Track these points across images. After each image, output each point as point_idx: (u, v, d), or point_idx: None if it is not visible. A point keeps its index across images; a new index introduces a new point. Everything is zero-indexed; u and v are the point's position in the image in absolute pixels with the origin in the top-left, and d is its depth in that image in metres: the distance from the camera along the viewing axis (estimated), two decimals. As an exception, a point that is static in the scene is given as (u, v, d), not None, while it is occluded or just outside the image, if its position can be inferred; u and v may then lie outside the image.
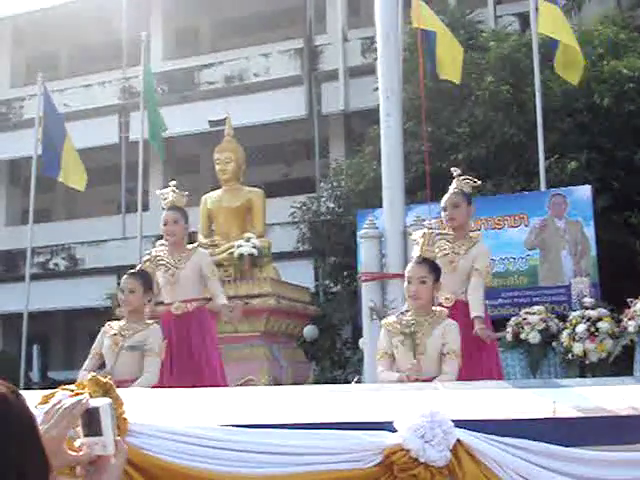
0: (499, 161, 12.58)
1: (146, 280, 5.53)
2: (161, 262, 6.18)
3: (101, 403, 1.92)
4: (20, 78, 22.76)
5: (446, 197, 5.88)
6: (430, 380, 4.47)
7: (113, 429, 1.90)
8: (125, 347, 5.29)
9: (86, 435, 1.88)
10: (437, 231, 5.20)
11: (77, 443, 1.91)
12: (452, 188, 5.96)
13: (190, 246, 6.44)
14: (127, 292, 5.42)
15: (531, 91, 11.31)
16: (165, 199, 6.48)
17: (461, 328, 4.75)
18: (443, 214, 5.85)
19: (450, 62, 10.69)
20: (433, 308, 4.68)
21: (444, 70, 10.74)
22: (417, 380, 4.36)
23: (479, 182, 6.13)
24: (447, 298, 5.56)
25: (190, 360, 6.06)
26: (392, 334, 4.62)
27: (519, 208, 10.52)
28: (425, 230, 4.86)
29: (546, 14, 10.12)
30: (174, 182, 6.75)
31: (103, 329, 5.50)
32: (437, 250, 5.59)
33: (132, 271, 5.62)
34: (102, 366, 5.48)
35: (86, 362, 5.50)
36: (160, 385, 5.61)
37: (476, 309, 5.48)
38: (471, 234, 5.92)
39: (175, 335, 6.05)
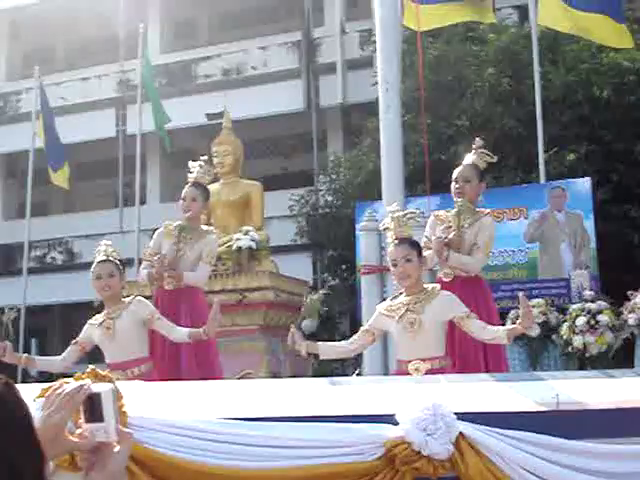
0: (498, 153, 12.51)
1: (119, 266, 5.48)
2: (174, 234, 6.18)
3: (103, 389, 1.89)
4: (17, 71, 22.70)
5: (459, 169, 5.72)
6: (429, 360, 4.44)
7: (115, 415, 1.87)
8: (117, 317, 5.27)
9: (88, 421, 1.86)
10: (406, 211, 4.99)
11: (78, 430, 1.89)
12: (466, 160, 5.79)
13: (205, 227, 6.46)
14: (106, 277, 5.34)
15: (530, 83, 11.27)
16: (191, 173, 6.49)
17: (464, 302, 4.69)
18: (454, 186, 5.67)
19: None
20: (425, 286, 4.63)
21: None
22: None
23: (495, 158, 5.95)
24: (446, 273, 5.50)
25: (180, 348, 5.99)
26: (386, 317, 4.58)
27: (518, 201, 10.49)
28: (390, 215, 4.74)
29: (547, 4, 10.05)
30: (205, 157, 6.76)
31: (89, 322, 5.43)
32: (440, 224, 5.55)
33: (102, 258, 5.49)
34: (83, 358, 5.39)
35: (66, 351, 5.41)
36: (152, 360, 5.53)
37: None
38: (478, 209, 5.73)
39: (165, 310, 5.94)
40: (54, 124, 13.88)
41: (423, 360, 4.43)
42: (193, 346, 5.78)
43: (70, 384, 1.93)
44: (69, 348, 5.40)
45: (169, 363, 5.91)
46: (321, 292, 4.78)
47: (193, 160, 6.79)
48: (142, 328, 5.37)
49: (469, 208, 5.62)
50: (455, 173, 5.73)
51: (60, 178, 14.16)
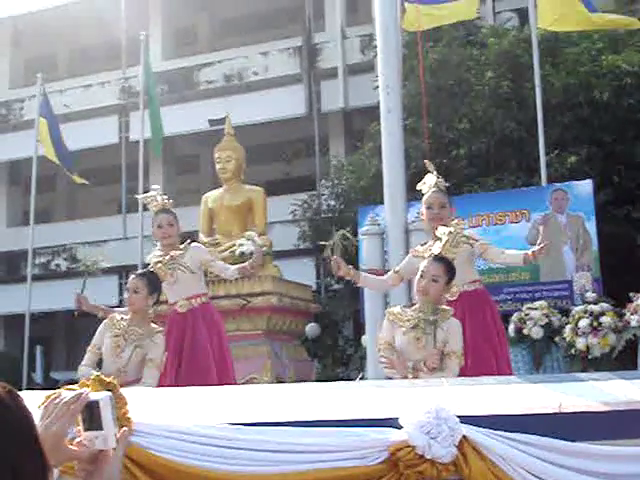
0: (499, 156, 12.58)
1: (151, 281, 5.51)
2: (176, 265, 6.18)
3: (101, 396, 1.91)
4: (19, 79, 22.74)
5: (431, 195, 5.64)
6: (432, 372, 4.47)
7: (114, 423, 1.89)
8: (133, 343, 5.28)
9: (86, 429, 1.87)
10: (464, 232, 5.08)
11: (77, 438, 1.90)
12: (432, 185, 5.72)
13: (182, 245, 6.43)
14: (131, 292, 5.41)
15: (531, 86, 11.29)
16: (151, 202, 6.45)
17: (469, 318, 4.72)
18: (427, 212, 5.59)
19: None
20: (438, 307, 4.64)
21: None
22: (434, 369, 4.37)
23: (447, 184, 5.94)
24: (452, 292, 5.52)
25: (197, 358, 6.05)
26: (396, 325, 4.60)
27: (520, 203, 10.51)
28: (452, 229, 4.77)
29: (546, 5, 10.04)
30: (157, 186, 6.76)
31: (105, 322, 5.48)
32: (420, 258, 5.53)
33: (139, 272, 5.62)
34: (101, 361, 5.46)
35: (86, 356, 5.48)
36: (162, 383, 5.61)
37: (517, 253, 5.53)
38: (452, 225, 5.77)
39: (182, 332, 6.04)
40: (59, 130, 13.92)
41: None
42: (209, 350, 5.93)
43: (68, 393, 1.95)
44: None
45: (187, 368, 5.99)
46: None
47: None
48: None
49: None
50: (428, 199, 5.64)
51: (79, 178, 14.25)
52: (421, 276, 4.60)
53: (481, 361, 5.19)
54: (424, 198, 5.68)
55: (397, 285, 5.59)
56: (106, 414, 1.87)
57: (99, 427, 1.86)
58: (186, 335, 6.07)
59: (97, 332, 5.50)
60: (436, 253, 4.71)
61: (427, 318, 4.50)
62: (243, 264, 6.33)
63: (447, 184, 5.88)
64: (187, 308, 6.16)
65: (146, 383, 5.21)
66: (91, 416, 1.88)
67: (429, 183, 5.75)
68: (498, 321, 5.68)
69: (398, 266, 5.51)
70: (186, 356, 6.04)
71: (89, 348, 5.49)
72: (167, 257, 6.20)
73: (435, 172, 5.82)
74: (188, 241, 6.43)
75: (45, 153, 14.10)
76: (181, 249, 6.26)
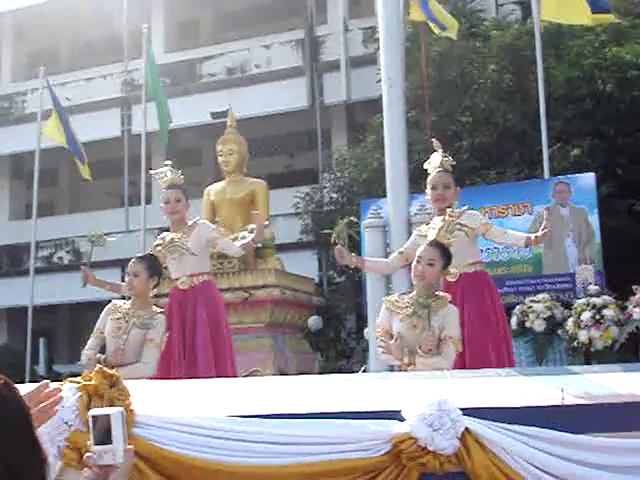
0: (502, 149, 12.57)
1: (151, 264, 5.50)
2: (175, 246, 6.19)
3: (112, 411, 1.89)
4: (22, 72, 22.74)
5: (435, 175, 5.64)
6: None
7: (124, 438, 1.88)
8: (134, 324, 5.28)
9: (96, 444, 1.86)
10: (458, 220, 5.13)
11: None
12: (437, 165, 5.71)
13: (190, 221, 6.42)
14: (131, 276, 5.41)
15: (533, 79, 11.28)
16: (163, 178, 6.45)
17: (469, 301, 4.72)
18: (432, 192, 5.59)
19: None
20: (436, 293, 4.66)
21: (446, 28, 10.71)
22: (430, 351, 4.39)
23: (454, 162, 5.95)
24: (450, 273, 5.52)
25: (198, 334, 6.05)
26: (394, 312, 4.61)
27: (523, 196, 10.50)
28: (447, 217, 4.85)
29: None
30: (169, 162, 6.72)
31: (108, 307, 5.48)
32: (423, 238, 5.57)
33: (139, 255, 5.61)
34: (105, 346, 5.46)
35: (89, 341, 5.48)
36: (168, 362, 5.61)
37: (520, 236, 5.58)
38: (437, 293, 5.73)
39: (183, 308, 6.04)
40: (69, 121, 13.96)
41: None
42: (210, 344, 5.94)
43: (50, 390, 1.93)
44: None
45: (187, 359, 5.99)
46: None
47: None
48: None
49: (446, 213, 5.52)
50: (433, 180, 5.63)
51: (87, 172, 14.25)
52: (417, 261, 4.65)
53: (478, 347, 5.19)
54: (428, 178, 5.68)
55: (401, 266, 5.59)
56: (117, 429, 1.86)
57: (109, 441, 1.85)
58: (187, 313, 6.07)
59: (100, 317, 5.51)
60: (431, 239, 4.78)
61: (422, 302, 4.52)
62: (246, 240, 6.38)
63: (453, 162, 5.85)
64: (188, 285, 6.16)
65: (145, 362, 5.22)
66: (101, 430, 1.87)
67: (434, 163, 5.74)
68: (497, 303, 5.62)
69: (403, 247, 5.56)
70: (187, 333, 6.07)
71: (93, 333, 5.50)
72: (167, 239, 6.21)
73: (441, 150, 5.81)
74: (197, 218, 6.43)
75: (58, 142, 14.08)
76: (189, 226, 6.26)
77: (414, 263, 4.68)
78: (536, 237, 5.36)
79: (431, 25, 10.63)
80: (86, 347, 5.46)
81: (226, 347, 6.17)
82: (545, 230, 5.29)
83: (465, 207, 5.59)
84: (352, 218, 5.19)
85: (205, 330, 6.03)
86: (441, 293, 4.71)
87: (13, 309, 19.63)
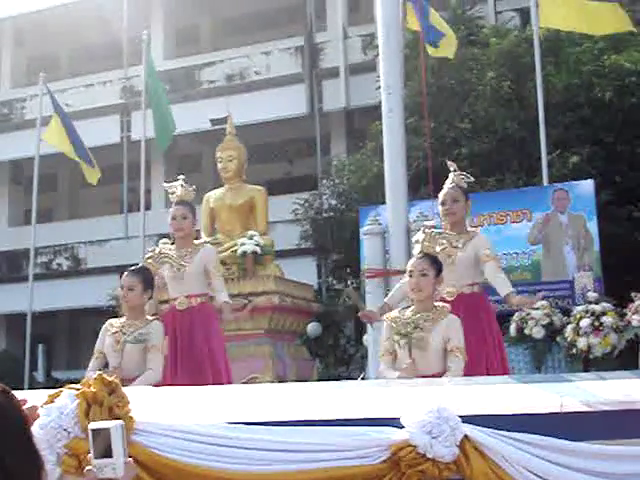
0: (501, 156, 12.58)
1: (146, 277, 5.49)
2: (165, 258, 6.16)
3: (112, 424, 1.88)
4: (21, 78, 22.77)
5: (444, 191, 5.82)
6: (434, 376, 4.45)
7: (124, 451, 1.87)
8: (129, 339, 5.27)
9: (96, 457, 1.85)
10: (438, 230, 5.18)
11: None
12: (449, 182, 5.90)
13: (197, 242, 6.41)
14: (126, 289, 5.39)
15: (532, 86, 11.29)
16: (173, 193, 6.45)
17: (465, 321, 4.73)
18: (441, 208, 5.78)
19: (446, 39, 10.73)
20: (435, 304, 4.68)
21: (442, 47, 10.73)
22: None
23: (472, 179, 6.08)
24: (449, 292, 5.55)
25: (193, 357, 6.04)
26: (393, 329, 4.62)
27: (522, 203, 10.51)
28: (426, 229, 4.88)
29: (548, 4, 10.04)
30: (182, 176, 6.71)
31: (104, 327, 5.48)
32: (437, 247, 5.60)
33: (132, 268, 5.59)
34: (107, 365, 5.47)
35: (91, 363, 5.47)
36: (163, 383, 5.59)
37: (506, 286, 5.53)
38: (469, 229, 5.87)
39: (179, 331, 6.03)
40: (73, 125, 13.94)
41: (424, 377, 4.44)
42: (206, 351, 5.94)
43: (29, 407, 1.92)
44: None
45: (187, 368, 5.99)
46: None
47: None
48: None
49: (458, 229, 5.70)
50: (442, 196, 5.80)
51: (93, 176, 14.17)
52: (410, 275, 4.66)
53: (474, 367, 5.18)
54: (439, 195, 5.83)
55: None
56: (117, 442, 1.85)
57: (109, 455, 1.84)
58: (182, 334, 6.06)
59: (99, 337, 5.49)
60: (417, 252, 4.80)
61: (422, 319, 4.53)
62: (237, 309, 6.43)
63: (469, 179, 5.96)
64: (186, 306, 6.16)
65: (153, 368, 5.21)
66: (101, 444, 1.86)
67: (447, 181, 5.90)
68: (494, 325, 5.71)
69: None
70: (181, 356, 6.04)
71: (94, 354, 5.49)
72: (157, 251, 6.20)
73: (454, 169, 5.95)
74: (202, 240, 6.42)
75: (63, 151, 14.05)
76: (195, 245, 6.26)
77: (408, 278, 4.70)
78: (519, 299, 5.53)
79: (426, 45, 10.64)
80: (88, 369, 5.44)
81: (221, 371, 6.15)
82: (530, 300, 5.38)
83: (478, 228, 5.73)
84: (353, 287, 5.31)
85: (202, 351, 6.01)
86: (440, 304, 4.72)
87: (12, 315, 19.63)
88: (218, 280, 6.28)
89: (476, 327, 5.37)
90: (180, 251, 6.20)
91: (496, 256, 5.77)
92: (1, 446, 1.54)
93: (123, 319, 5.43)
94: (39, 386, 14.59)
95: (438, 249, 5.45)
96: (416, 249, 4.88)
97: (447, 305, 4.73)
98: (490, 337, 5.48)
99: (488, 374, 5.33)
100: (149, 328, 5.31)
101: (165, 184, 6.72)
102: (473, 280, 5.63)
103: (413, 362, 4.46)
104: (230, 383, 6.19)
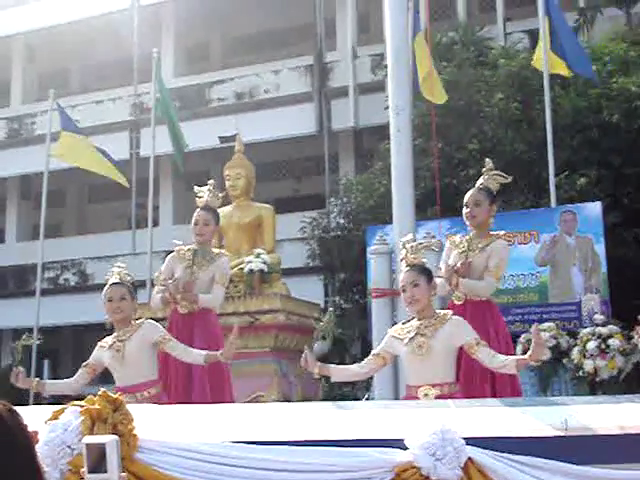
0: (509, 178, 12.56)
1: (130, 288, 5.45)
2: (187, 258, 6.23)
3: (107, 440, 1.88)
4: (32, 94, 22.91)
5: (469, 193, 5.74)
6: (438, 385, 4.42)
7: (118, 466, 1.86)
8: (128, 342, 5.23)
9: (90, 472, 1.84)
10: (422, 241, 5.03)
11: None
12: (478, 184, 5.81)
13: (216, 250, 6.45)
14: (117, 299, 5.30)
15: (540, 108, 11.31)
16: (200, 197, 6.50)
17: (474, 326, 4.68)
18: (464, 210, 5.70)
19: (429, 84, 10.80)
20: (436, 311, 4.64)
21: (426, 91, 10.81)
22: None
23: (509, 179, 5.94)
24: (458, 296, 5.52)
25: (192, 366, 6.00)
26: (395, 340, 4.57)
27: (529, 225, 10.49)
28: (403, 244, 4.79)
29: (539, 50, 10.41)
30: (212, 181, 6.77)
31: (99, 344, 5.40)
32: (455, 249, 5.60)
33: (114, 281, 5.48)
34: (94, 380, 5.39)
35: (77, 373, 5.37)
36: (162, 382, 5.51)
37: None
38: (492, 232, 5.74)
39: (179, 333, 5.99)
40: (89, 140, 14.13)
41: (432, 386, 4.36)
42: (206, 369, 5.81)
43: None
44: (80, 371, 5.34)
45: (181, 386, 5.93)
46: (330, 312, 4.86)
47: (203, 183, 6.83)
48: (151, 351, 5.29)
49: (481, 232, 5.66)
50: (466, 197, 5.75)
51: (123, 178, 14.33)
52: (403, 290, 4.61)
53: (470, 386, 5.13)
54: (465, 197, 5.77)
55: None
56: (111, 457, 1.85)
57: (104, 470, 1.83)
58: (184, 338, 6.01)
59: (92, 354, 5.40)
60: (403, 266, 4.73)
61: (424, 326, 4.50)
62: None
63: (505, 179, 5.86)
64: (188, 310, 6.17)
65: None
66: (96, 459, 1.85)
67: (478, 182, 5.84)
68: (502, 331, 5.55)
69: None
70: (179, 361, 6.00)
71: (83, 366, 5.40)
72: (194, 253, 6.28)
73: (489, 168, 5.86)
74: (219, 251, 6.50)
75: (69, 162, 14.17)
76: (215, 254, 6.38)
77: (402, 294, 4.65)
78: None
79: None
80: (73, 378, 5.37)
81: (224, 378, 6.12)
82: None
83: (497, 232, 5.66)
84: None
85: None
86: (441, 311, 4.69)
87: (19, 330, 19.64)
88: (216, 287, 6.28)
89: (482, 333, 5.31)
90: (198, 255, 6.24)
91: (499, 270, 5.61)
92: (8, 464, 1.55)
93: (114, 334, 5.35)
94: (45, 402, 14.58)
95: (455, 250, 5.48)
96: (402, 265, 4.80)
97: (449, 311, 4.69)
98: (496, 343, 5.35)
99: (494, 380, 5.27)
100: (143, 329, 5.24)
101: (196, 188, 6.75)
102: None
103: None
104: (230, 392, 6.16)
